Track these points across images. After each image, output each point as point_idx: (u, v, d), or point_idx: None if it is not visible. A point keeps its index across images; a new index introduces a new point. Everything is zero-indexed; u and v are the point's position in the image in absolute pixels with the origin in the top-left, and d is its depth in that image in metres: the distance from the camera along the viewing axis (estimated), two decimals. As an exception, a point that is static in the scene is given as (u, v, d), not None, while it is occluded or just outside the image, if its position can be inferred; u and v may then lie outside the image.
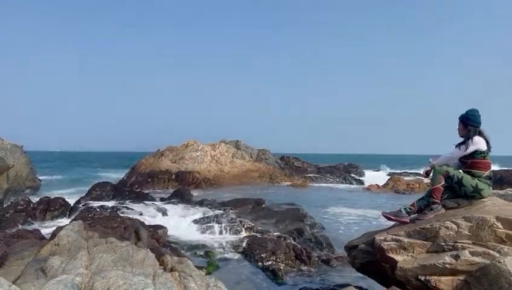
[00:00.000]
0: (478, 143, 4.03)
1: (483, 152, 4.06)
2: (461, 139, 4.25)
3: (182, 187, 19.72)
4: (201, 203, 14.11)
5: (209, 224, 10.06)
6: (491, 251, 3.34)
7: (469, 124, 4.17)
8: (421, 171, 6.22)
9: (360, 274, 5.10)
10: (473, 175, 4.05)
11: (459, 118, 4.28)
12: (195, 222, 10.46)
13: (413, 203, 4.31)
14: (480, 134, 4.10)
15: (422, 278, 3.44)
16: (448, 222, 3.69)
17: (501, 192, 4.47)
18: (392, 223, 4.44)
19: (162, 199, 16.23)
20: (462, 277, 3.30)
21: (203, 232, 9.65)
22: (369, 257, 4.24)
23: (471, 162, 4.11)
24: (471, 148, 4.04)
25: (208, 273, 5.21)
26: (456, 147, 4.22)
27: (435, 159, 4.33)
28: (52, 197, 12.97)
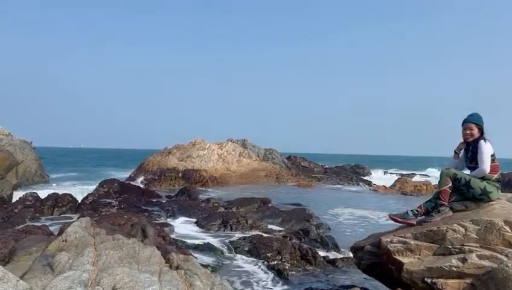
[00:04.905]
0: (489, 148, 3.99)
1: (492, 155, 4.01)
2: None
3: (189, 185, 19.81)
4: (207, 201, 14.19)
5: (215, 222, 10.10)
6: (498, 255, 3.31)
7: (482, 127, 4.13)
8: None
9: (365, 276, 5.09)
10: (482, 178, 4.00)
11: (473, 121, 4.15)
12: (202, 220, 10.51)
13: (421, 205, 4.28)
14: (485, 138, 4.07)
15: (429, 280, 3.42)
16: (455, 225, 3.67)
17: (509, 195, 4.40)
18: (398, 225, 4.42)
19: (168, 197, 16.34)
20: (469, 280, 3.28)
21: (208, 231, 9.69)
22: (375, 259, 4.22)
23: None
24: (488, 158, 3.95)
25: (213, 272, 5.21)
26: (469, 160, 4.17)
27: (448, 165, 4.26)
28: (60, 194, 13.11)
